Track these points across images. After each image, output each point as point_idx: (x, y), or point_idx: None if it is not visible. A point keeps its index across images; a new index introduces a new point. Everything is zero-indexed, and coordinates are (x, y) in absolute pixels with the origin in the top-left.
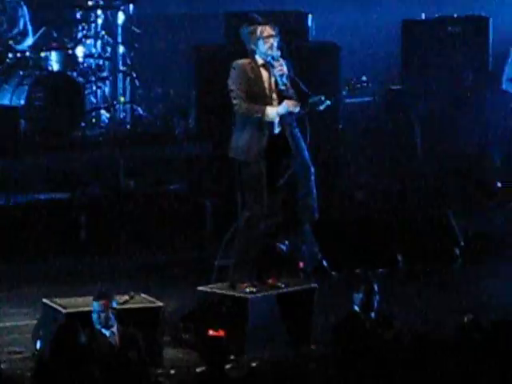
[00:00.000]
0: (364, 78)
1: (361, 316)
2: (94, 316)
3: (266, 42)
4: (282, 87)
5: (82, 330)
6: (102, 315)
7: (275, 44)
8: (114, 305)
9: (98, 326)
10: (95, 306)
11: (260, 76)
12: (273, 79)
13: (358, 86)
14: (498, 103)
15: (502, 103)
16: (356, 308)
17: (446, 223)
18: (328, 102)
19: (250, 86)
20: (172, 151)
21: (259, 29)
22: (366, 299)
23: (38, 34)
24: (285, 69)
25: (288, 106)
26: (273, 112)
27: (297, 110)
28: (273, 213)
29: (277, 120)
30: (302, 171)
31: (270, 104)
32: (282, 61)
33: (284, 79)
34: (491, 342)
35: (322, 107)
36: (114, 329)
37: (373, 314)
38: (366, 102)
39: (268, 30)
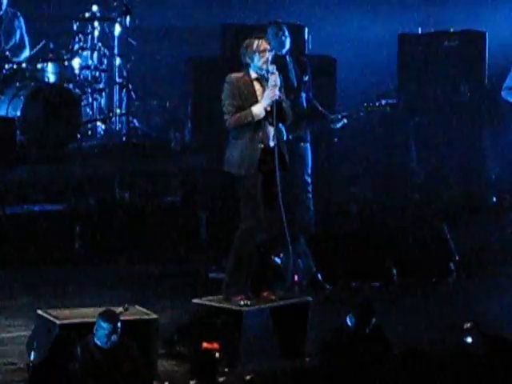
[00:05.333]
0: (383, 102)
1: (351, 329)
2: (101, 335)
3: (262, 57)
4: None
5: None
6: (111, 337)
7: (270, 58)
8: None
9: (104, 345)
10: (104, 326)
11: (253, 89)
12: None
13: (376, 108)
14: (495, 117)
15: (498, 117)
16: (349, 323)
17: (441, 237)
18: (345, 121)
19: (242, 100)
20: (167, 164)
21: (256, 42)
22: (361, 321)
23: (38, 47)
24: (278, 81)
25: (268, 96)
26: (259, 108)
27: (277, 94)
28: (268, 226)
29: (271, 134)
30: (302, 186)
31: (265, 118)
32: (276, 73)
33: (277, 92)
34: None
35: (338, 125)
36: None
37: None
38: (362, 116)
39: (264, 45)
